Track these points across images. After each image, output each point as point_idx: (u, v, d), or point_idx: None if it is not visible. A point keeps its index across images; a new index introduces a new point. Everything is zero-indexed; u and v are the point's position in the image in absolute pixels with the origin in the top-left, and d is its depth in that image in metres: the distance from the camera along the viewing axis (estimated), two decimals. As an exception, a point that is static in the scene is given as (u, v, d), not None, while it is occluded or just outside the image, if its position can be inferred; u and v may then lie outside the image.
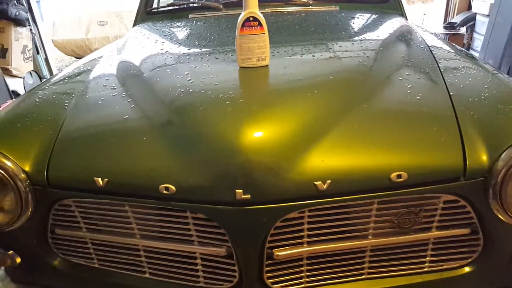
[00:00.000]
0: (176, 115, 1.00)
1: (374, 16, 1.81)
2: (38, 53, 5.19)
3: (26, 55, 4.91)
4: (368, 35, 1.49)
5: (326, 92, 1.03)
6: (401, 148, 0.92)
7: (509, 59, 3.75)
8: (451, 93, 1.06)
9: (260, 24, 1.08)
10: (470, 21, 4.81)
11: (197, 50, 1.40)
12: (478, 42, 4.52)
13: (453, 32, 4.78)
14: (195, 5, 2.05)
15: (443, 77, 1.15)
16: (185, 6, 2.10)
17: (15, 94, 3.80)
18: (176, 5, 2.15)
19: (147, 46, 1.56)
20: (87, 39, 6.49)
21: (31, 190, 0.98)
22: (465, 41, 4.86)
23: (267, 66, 1.12)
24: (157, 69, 1.25)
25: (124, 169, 0.94)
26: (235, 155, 0.85)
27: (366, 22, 1.72)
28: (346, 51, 1.29)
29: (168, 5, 2.17)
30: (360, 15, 1.80)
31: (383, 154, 0.91)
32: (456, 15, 5.30)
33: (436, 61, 1.27)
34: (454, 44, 1.57)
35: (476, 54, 4.43)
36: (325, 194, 0.89)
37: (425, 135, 0.94)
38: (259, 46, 1.09)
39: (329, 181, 0.88)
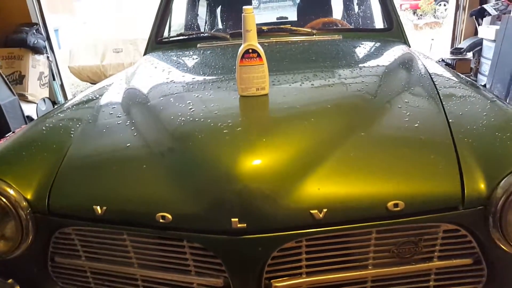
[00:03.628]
0: (176, 143, 1.01)
1: (376, 44, 1.83)
2: (54, 79, 5.35)
3: (42, 81, 5.06)
4: (368, 63, 1.51)
5: (323, 121, 1.03)
6: (398, 177, 0.91)
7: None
8: (450, 121, 1.06)
9: (259, 55, 1.10)
10: (477, 46, 4.82)
11: (200, 79, 1.42)
12: (485, 66, 4.52)
13: (459, 57, 4.79)
14: (204, 35, 2.10)
15: (442, 104, 1.15)
16: (194, 36, 2.16)
17: (29, 119, 3.88)
18: (186, 35, 2.21)
19: (154, 75, 1.60)
20: (102, 66, 6.65)
21: (31, 218, 0.99)
22: (472, 65, 4.86)
23: (266, 95, 1.14)
24: (161, 98, 1.27)
25: (122, 197, 0.95)
26: (231, 183, 0.85)
27: (367, 51, 1.73)
28: (345, 79, 1.30)
29: (178, 35, 2.23)
30: (362, 44, 1.82)
31: (380, 183, 0.91)
32: (463, 40, 5.33)
33: (436, 88, 1.27)
34: (455, 71, 1.58)
35: (484, 78, 4.42)
36: (321, 223, 0.88)
37: (423, 163, 0.94)
38: (259, 76, 1.12)
39: (325, 210, 0.87)
